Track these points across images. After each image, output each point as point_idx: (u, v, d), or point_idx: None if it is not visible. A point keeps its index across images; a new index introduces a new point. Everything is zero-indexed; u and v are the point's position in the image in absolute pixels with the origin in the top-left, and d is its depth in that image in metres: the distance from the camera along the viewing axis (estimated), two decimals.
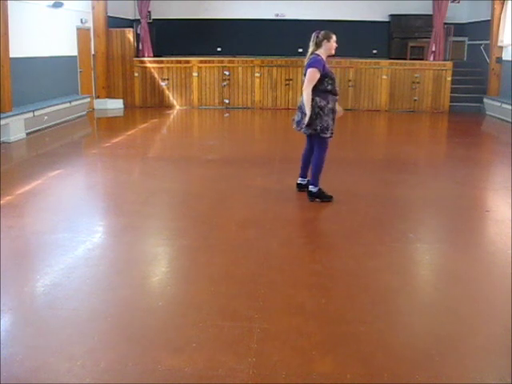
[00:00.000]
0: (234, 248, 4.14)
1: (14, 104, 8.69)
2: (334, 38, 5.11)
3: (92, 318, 3.05)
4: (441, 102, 12.71)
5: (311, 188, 5.36)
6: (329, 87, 5.06)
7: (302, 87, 5.18)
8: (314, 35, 5.16)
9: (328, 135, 5.14)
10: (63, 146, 8.52)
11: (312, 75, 4.98)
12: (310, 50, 5.15)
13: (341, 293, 3.41)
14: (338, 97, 5.18)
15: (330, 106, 5.07)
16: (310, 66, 5.02)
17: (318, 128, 5.06)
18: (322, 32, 5.13)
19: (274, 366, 2.59)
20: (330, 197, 5.36)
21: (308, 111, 5.01)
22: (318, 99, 5.02)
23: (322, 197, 5.33)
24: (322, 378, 2.51)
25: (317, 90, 5.02)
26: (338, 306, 3.22)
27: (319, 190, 5.35)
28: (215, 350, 2.70)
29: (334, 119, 5.16)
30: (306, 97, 5.00)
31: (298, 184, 5.65)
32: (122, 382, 2.47)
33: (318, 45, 5.10)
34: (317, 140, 5.23)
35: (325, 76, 5.02)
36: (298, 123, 5.28)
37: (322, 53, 5.10)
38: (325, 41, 5.07)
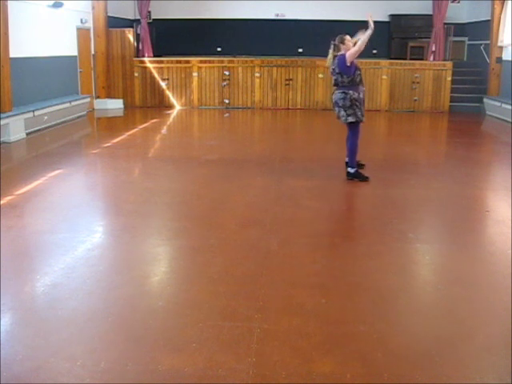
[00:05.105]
0: (234, 248, 4.14)
1: (14, 104, 8.69)
2: (347, 37, 5.88)
3: (92, 317, 3.05)
4: (441, 102, 12.71)
5: (349, 169, 6.07)
6: (358, 79, 5.82)
7: (332, 84, 5.98)
8: (331, 43, 5.94)
9: (359, 120, 5.88)
10: (63, 146, 8.52)
11: (350, 51, 5.69)
12: (331, 55, 5.92)
13: (341, 293, 3.41)
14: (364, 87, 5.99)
15: (361, 96, 5.85)
16: (342, 55, 5.75)
17: (357, 117, 5.83)
18: (337, 38, 5.91)
19: (273, 366, 2.59)
20: (367, 177, 6.01)
21: (368, 35, 5.63)
22: (351, 92, 5.79)
23: (359, 177, 6.02)
24: (322, 378, 2.51)
25: (350, 83, 5.76)
26: (338, 306, 3.22)
27: (356, 171, 6.04)
28: (215, 350, 2.70)
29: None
30: (363, 41, 5.61)
31: (346, 162, 6.30)
32: (121, 382, 2.47)
33: (338, 49, 5.88)
34: (351, 127, 5.99)
35: (355, 69, 5.77)
36: (339, 117, 5.98)
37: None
38: (341, 44, 5.84)
